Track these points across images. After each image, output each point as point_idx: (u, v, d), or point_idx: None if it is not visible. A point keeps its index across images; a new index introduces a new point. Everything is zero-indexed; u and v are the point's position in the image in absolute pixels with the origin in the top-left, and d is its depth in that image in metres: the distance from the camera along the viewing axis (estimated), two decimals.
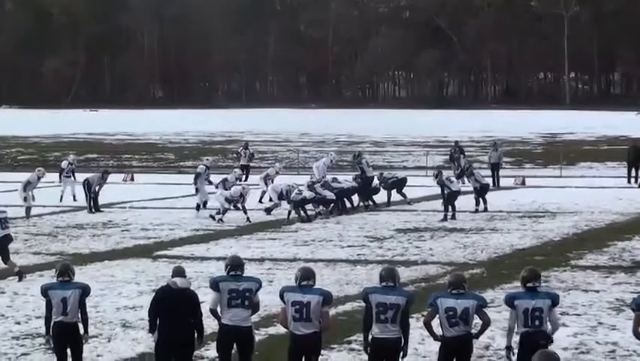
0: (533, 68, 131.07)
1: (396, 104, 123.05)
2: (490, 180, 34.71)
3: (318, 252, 22.75)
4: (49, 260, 21.32)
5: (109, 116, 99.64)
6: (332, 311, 14.06)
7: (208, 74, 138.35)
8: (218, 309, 11.71)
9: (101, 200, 31.14)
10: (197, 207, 29.28)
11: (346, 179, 31.40)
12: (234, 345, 11.76)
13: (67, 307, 11.95)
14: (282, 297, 11.39)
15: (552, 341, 11.33)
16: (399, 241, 24.16)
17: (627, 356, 13.84)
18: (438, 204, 29.39)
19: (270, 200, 30.31)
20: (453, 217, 27.89)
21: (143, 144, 64.12)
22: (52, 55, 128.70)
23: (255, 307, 11.82)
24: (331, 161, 37.17)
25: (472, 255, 22.15)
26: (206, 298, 12.51)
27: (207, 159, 32.03)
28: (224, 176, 31.47)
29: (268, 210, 29.56)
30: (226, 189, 28.76)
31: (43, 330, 12.72)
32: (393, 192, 31.63)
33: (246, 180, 37.37)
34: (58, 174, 34.64)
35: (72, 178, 34.20)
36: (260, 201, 31.77)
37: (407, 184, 32.19)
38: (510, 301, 11.40)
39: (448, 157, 44.39)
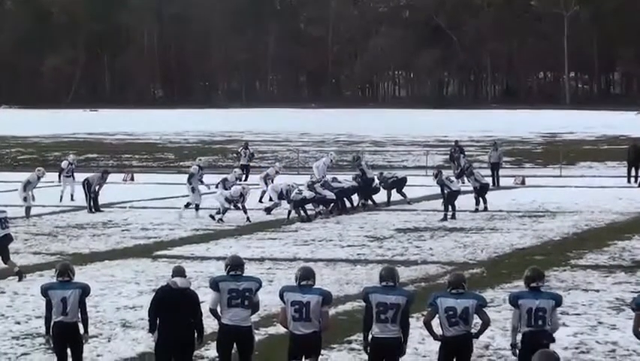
0: (533, 68, 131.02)
1: (396, 104, 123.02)
2: (490, 180, 34.73)
3: (318, 251, 22.75)
4: (49, 260, 21.32)
5: (109, 115, 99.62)
6: (332, 311, 14.07)
7: (208, 74, 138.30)
8: (218, 309, 11.71)
9: (101, 200, 31.14)
10: (197, 207, 29.24)
11: (346, 179, 31.40)
12: (234, 345, 11.76)
13: (67, 307, 11.95)
14: (281, 297, 11.40)
15: (554, 341, 11.33)
16: (399, 241, 24.16)
17: (627, 356, 13.84)
18: (438, 203, 29.40)
19: (270, 200, 30.31)
20: (453, 217, 27.89)
21: (143, 144, 64.12)
22: (52, 54, 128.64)
23: (254, 307, 11.82)
24: (331, 161, 37.18)
25: (472, 254, 22.15)
26: (206, 297, 12.51)
27: (200, 159, 31.85)
28: (224, 176, 31.50)
29: (268, 210, 29.56)
30: (226, 189, 28.76)
31: (43, 330, 12.72)
32: (393, 191, 31.63)
33: (246, 179, 37.38)
34: (58, 174, 34.62)
35: (72, 178, 34.20)
36: (260, 201, 31.77)
37: (407, 184, 32.20)
38: (514, 300, 11.41)
39: (448, 157, 44.41)
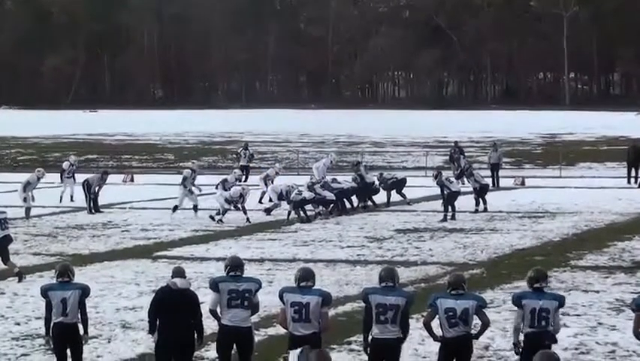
0: (533, 68, 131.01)
1: (395, 105, 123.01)
2: (489, 181, 34.72)
3: (317, 252, 22.76)
4: (49, 261, 21.32)
5: (108, 116, 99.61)
6: (332, 312, 14.08)
7: (208, 74, 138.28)
8: (218, 310, 11.72)
9: (101, 201, 31.13)
10: (195, 208, 29.16)
11: (346, 179, 31.42)
12: (234, 346, 11.77)
13: (67, 308, 11.96)
14: (281, 298, 11.40)
15: (557, 342, 11.34)
16: (398, 242, 24.16)
17: (627, 357, 13.84)
18: (437, 204, 29.39)
19: (270, 200, 30.31)
20: (453, 218, 27.89)
21: (142, 145, 64.10)
22: (52, 54, 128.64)
23: (254, 307, 11.83)
24: (331, 162, 37.21)
25: (471, 255, 22.15)
26: (206, 298, 12.52)
27: (194, 162, 31.66)
28: (224, 177, 31.48)
29: (268, 211, 29.56)
30: (226, 190, 28.76)
31: (43, 331, 12.73)
32: (393, 192, 31.63)
33: (245, 180, 37.38)
34: (59, 174, 34.61)
35: (72, 179, 34.20)
36: (260, 202, 31.77)
37: (407, 185, 32.20)
38: (517, 300, 11.42)
39: (447, 157, 44.39)
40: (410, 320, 11.56)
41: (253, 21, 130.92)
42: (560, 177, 42.41)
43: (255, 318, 12.48)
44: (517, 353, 11.56)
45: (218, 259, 20.89)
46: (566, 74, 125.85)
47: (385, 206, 31.03)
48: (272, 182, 32.28)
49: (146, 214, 30.13)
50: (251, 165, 42.65)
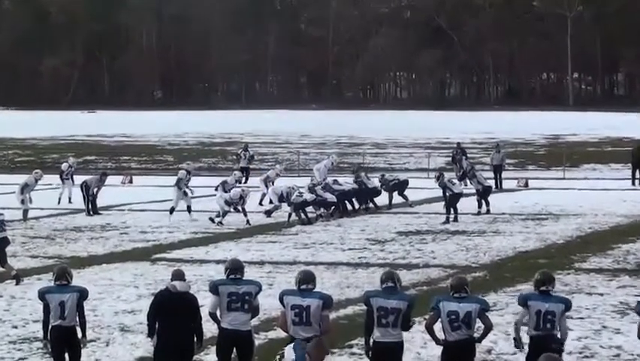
0: (536, 69, 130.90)
1: (397, 105, 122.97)
2: (492, 182, 34.71)
3: (318, 255, 22.75)
4: (47, 263, 21.32)
5: (107, 117, 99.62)
6: (333, 315, 14.07)
7: (207, 75, 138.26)
8: (218, 313, 11.71)
9: (100, 202, 31.13)
10: (189, 209, 29.07)
11: (347, 181, 31.41)
12: (234, 349, 11.77)
13: (65, 311, 11.96)
14: (281, 300, 11.40)
15: (563, 346, 11.31)
16: (400, 244, 24.16)
17: (631, 360, 13.83)
18: (440, 206, 29.39)
19: (270, 202, 30.31)
20: (455, 220, 27.89)
21: (141, 146, 64.11)
22: (50, 54, 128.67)
23: (254, 310, 11.82)
24: (332, 163, 37.22)
25: (474, 258, 22.15)
26: (206, 301, 12.50)
27: (189, 164, 31.60)
28: (224, 178, 31.49)
29: (268, 213, 29.56)
30: (226, 192, 28.75)
31: (40, 334, 12.73)
32: (395, 194, 31.63)
33: (245, 182, 37.37)
34: (58, 176, 34.60)
35: (71, 181, 34.21)
36: (260, 204, 31.77)
37: (409, 186, 32.20)
38: (523, 300, 11.41)
39: (450, 159, 44.40)
40: (412, 326, 11.55)
41: (253, 21, 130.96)
42: (564, 178, 42.40)
43: (255, 321, 12.48)
44: (516, 347, 11.53)
45: (217, 262, 20.89)
46: (569, 74, 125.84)
47: (387, 208, 31.03)
48: (272, 183, 32.29)
49: (145, 216, 30.12)
50: (251, 166, 42.66)
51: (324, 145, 63.34)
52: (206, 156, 56.21)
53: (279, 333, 13.79)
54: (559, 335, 11.34)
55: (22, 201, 29.22)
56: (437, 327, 11.37)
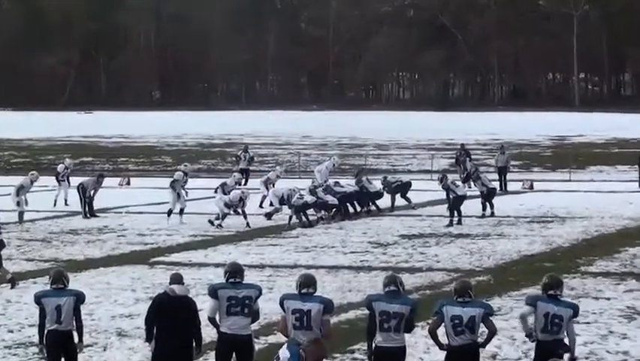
0: (541, 69, 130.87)
1: (400, 106, 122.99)
2: (497, 184, 34.71)
3: (319, 258, 22.75)
4: (43, 267, 21.33)
5: (104, 118, 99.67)
6: (334, 319, 14.07)
7: (206, 75, 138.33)
8: (217, 317, 11.71)
9: (97, 205, 31.15)
10: (181, 211, 29.00)
11: (349, 183, 31.41)
12: (233, 354, 11.76)
13: (61, 315, 11.96)
14: (282, 305, 11.40)
15: (569, 351, 11.29)
16: (403, 247, 24.16)
17: None
18: (443, 209, 29.39)
19: (271, 204, 30.32)
20: (459, 222, 27.89)
21: (139, 147, 64.15)
22: (46, 54, 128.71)
23: (254, 315, 11.82)
24: (334, 165, 37.24)
25: (478, 261, 22.15)
26: (205, 305, 12.51)
27: (186, 165, 31.49)
28: (224, 180, 31.52)
29: (268, 215, 29.56)
30: (225, 194, 28.77)
31: (36, 339, 12.72)
32: (397, 196, 31.63)
33: (245, 184, 37.39)
34: (55, 177, 34.62)
35: (67, 182, 34.23)
36: (260, 206, 31.78)
37: (411, 188, 32.21)
38: (533, 301, 11.41)
39: (453, 160, 44.40)
40: (415, 328, 11.56)
41: (253, 20, 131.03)
42: (570, 180, 42.41)
43: (255, 326, 12.48)
44: (528, 336, 11.44)
45: (217, 265, 20.89)
46: (575, 74, 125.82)
47: (389, 210, 31.03)
48: (273, 185, 32.31)
49: (142, 219, 30.14)
50: (251, 167, 42.69)
51: (326, 146, 63.36)
52: (206, 158, 56.24)
53: (279, 338, 13.78)
54: (565, 340, 11.33)
55: (18, 203, 29.24)
56: (440, 332, 11.37)
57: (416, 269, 21.12)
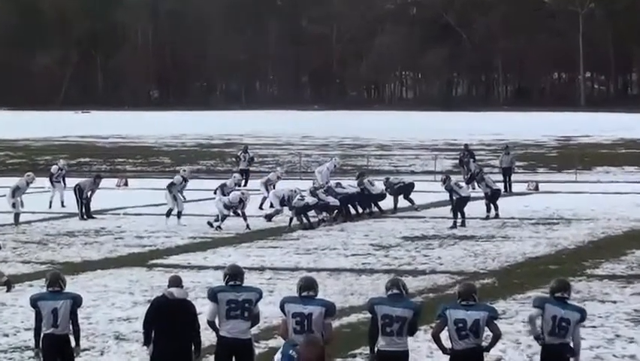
0: (547, 68, 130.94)
1: (403, 105, 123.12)
2: (501, 186, 34.72)
3: (321, 261, 22.75)
4: (39, 269, 21.32)
5: (102, 117, 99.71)
6: (336, 323, 14.06)
7: (206, 74, 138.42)
8: (217, 321, 11.71)
9: (94, 206, 31.14)
10: (179, 214, 28.94)
11: (350, 184, 31.41)
12: (233, 358, 11.76)
13: (57, 319, 11.96)
14: (282, 308, 11.39)
15: (576, 356, 11.29)
16: (406, 250, 24.16)
17: None
18: (447, 210, 29.39)
19: (271, 206, 30.33)
20: (462, 224, 27.88)
21: (137, 147, 64.16)
22: (42, 53, 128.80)
23: (254, 318, 11.82)
24: (335, 165, 37.23)
25: (482, 264, 22.15)
26: (204, 309, 12.51)
27: (185, 170, 31.20)
28: (223, 181, 31.51)
29: (269, 217, 29.55)
30: (225, 195, 28.77)
31: (32, 343, 12.72)
32: (400, 197, 31.62)
33: (245, 185, 37.40)
34: (48, 179, 34.61)
35: (62, 184, 34.22)
36: (260, 208, 31.78)
37: (415, 189, 32.20)
38: (541, 303, 11.42)
39: (457, 161, 44.41)
40: (418, 332, 11.56)
41: (253, 18, 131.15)
42: (576, 181, 42.41)
43: (255, 330, 12.48)
44: (536, 339, 11.47)
45: (216, 268, 20.89)
46: (581, 73, 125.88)
47: (392, 212, 31.02)
48: (273, 187, 32.31)
49: (140, 220, 30.13)
50: (251, 168, 42.68)
51: (327, 147, 63.38)
52: (205, 158, 56.25)
53: (279, 342, 13.77)
54: (571, 345, 11.34)
55: (14, 205, 29.22)
56: (444, 336, 11.36)
57: (419, 272, 21.12)
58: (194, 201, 32.91)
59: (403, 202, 31.60)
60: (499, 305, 16.58)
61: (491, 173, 37.73)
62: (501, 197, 31.16)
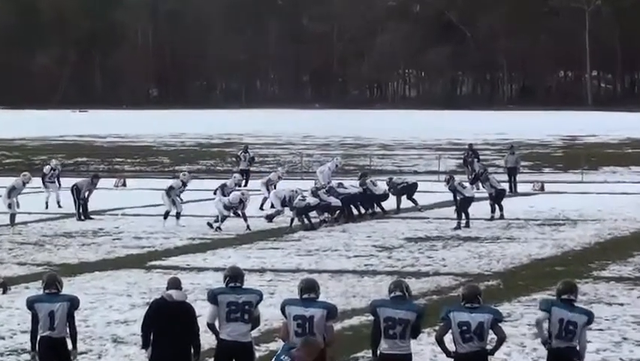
0: (552, 66, 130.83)
1: (406, 105, 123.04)
2: (506, 186, 34.70)
3: (322, 262, 22.75)
4: (36, 271, 21.32)
5: (100, 116, 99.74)
6: (337, 326, 14.07)
7: (205, 73, 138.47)
8: (217, 323, 11.71)
9: (91, 206, 31.13)
10: (165, 215, 28.90)
11: (352, 184, 31.39)
12: None
13: (54, 321, 11.95)
14: (283, 310, 11.39)
15: (582, 360, 11.30)
16: (409, 251, 24.15)
17: None
18: (450, 211, 29.38)
19: (272, 206, 30.31)
20: (467, 225, 27.87)
21: (136, 147, 64.15)
22: (40, 52, 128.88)
23: (255, 321, 11.82)
24: (336, 165, 37.20)
25: (487, 265, 22.14)
26: (204, 311, 12.50)
27: (185, 175, 30.96)
28: (223, 181, 31.49)
29: (269, 218, 29.54)
30: (225, 195, 28.77)
31: (28, 346, 12.71)
32: (403, 198, 31.61)
33: (245, 185, 37.39)
34: (41, 179, 34.49)
35: (56, 184, 34.18)
36: (261, 208, 31.77)
37: (418, 190, 32.18)
38: (547, 306, 11.41)
39: (461, 161, 44.38)
40: (421, 335, 11.55)
41: (253, 18, 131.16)
42: (582, 181, 42.39)
43: (255, 332, 12.47)
44: (544, 343, 11.48)
45: (216, 270, 20.89)
46: (587, 72, 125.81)
47: (395, 213, 31.01)
48: (274, 187, 32.29)
49: (139, 221, 30.12)
50: (251, 168, 42.65)
51: (328, 146, 63.36)
52: (204, 158, 56.24)
53: (280, 345, 13.78)
54: (578, 348, 11.33)
55: (10, 206, 29.19)
56: (448, 338, 11.35)
57: (422, 274, 21.11)
58: (194, 201, 32.91)
59: (406, 203, 31.58)
60: (504, 308, 16.59)
61: (496, 173, 37.69)
62: (506, 197, 31.14)
